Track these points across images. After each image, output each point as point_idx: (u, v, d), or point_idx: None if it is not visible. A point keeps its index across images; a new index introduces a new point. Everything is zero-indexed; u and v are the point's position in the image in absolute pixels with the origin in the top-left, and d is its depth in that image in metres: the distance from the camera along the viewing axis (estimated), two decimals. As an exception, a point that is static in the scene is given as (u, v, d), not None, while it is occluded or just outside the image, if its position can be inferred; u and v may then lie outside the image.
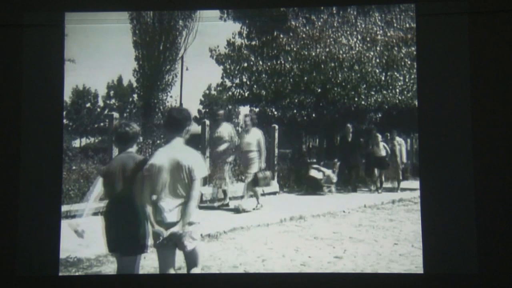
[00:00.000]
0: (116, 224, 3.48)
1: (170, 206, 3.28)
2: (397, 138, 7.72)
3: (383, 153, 7.58)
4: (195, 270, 3.55)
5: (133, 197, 3.36)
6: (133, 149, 3.53)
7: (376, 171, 7.67)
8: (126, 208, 3.41)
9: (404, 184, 7.33)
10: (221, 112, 7.20)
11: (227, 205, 6.95)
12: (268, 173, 6.96)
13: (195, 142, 6.86)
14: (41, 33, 5.12)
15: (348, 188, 7.62)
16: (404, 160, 7.73)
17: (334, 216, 6.18)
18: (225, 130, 7.11)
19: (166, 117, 3.53)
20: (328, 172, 7.54)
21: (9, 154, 4.99)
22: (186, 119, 3.39)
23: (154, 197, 3.32)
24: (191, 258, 3.48)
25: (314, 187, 7.53)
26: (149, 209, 3.27)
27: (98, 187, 3.46)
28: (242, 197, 6.93)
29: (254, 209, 6.70)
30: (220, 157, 7.15)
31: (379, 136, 7.52)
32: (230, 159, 7.17)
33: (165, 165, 3.26)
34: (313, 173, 7.66)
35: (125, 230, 3.45)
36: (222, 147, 7.12)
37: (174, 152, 3.30)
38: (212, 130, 7.18)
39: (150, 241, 3.53)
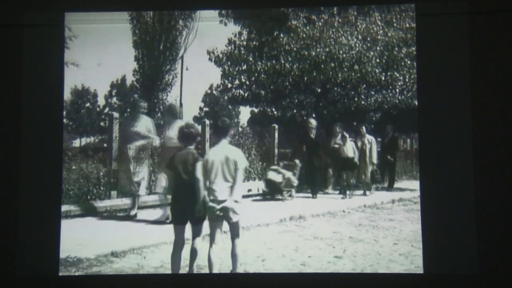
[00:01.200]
0: (179, 203, 4.46)
1: (221, 188, 4.35)
2: (367, 136, 7.05)
3: (351, 153, 6.95)
4: (237, 240, 4.50)
5: (192, 183, 4.36)
6: (193, 146, 4.49)
7: (344, 174, 6.99)
8: (187, 191, 4.38)
9: (404, 184, 7.25)
10: (143, 103, 6.41)
11: (135, 216, 6.13)
12: None
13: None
14: (41, 33, 5.13)
15: (308, 192, 6.96)
16: (375, 160, 7.03)
17: (334, 216, 6.17)
18: (143, 124, 6.30)
19: (213, 126, 4.67)
20: (289, 174, 6.90)
21: (9, 154, 4.99)
22: (229, 126, 4.50)
23: (207, 182, 4.42)
24: (234, 229, 4.47)
25: (272, 191, 6.92)
26: (205, 191, 4.33)
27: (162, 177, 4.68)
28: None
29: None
30: (136, 156, 6.27)
31: (347, 136, 6.93)
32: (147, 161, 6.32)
33: (217, 160, 4.35)
34: (272, 175, 6.98)
35: (186, 207, 4.40)
36: (138, 143, 6.26)
37: (223, 150, 4.41)
38: (127, 123, 6.43)
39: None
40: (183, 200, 4.43)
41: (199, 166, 4.37)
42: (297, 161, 7.04)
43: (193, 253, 4.54)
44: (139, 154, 6.22)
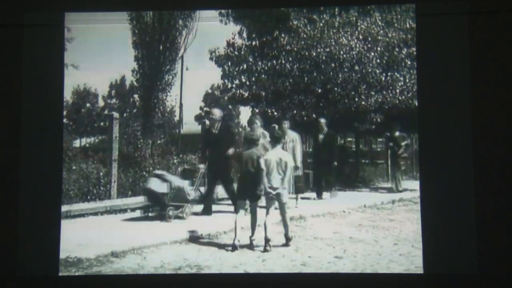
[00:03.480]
0: (244, 186, 5.51)
1: (276, 179, 5.39)
2: (290, 133, 6.16)
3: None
4: (286, 215, 5.44)
5: (255, 173, 5.40)
6: (254, 148, 5.48)
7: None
8: (250, 178, 5.44)
9: (404, 184, 7.15)
10: None
11: None
12: None
13: (195, 142, 6.87)
14: (41, 33, 5.13)
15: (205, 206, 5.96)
16: (298, 163, 6.10)
17: (334, 216, 6.17)
18: None
19: (271, 136, 5.79)
20: (181, 183, 5.56)
21: (9, 154, 5.00)
22: (282, 136, 5.73)
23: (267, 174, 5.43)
24: (283, 208, 5.46)
25: (155, 205, 5.58)
26: (265, 180, 5.37)
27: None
28: None
29: None
30: None
31: (259, 127, 5.94)
32: None
33: (273, 159, 5.43)
34: (153, 183, 5.53)
35: (248, 188, 5.45)
36: None
37: (277, 153, 5.49)
38: None
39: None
40: (247, 184, 5.47)
41: (263, 161, 5.39)
42: (202, 166, 5.82)
43: (253, 221, 5.46)
44: None
